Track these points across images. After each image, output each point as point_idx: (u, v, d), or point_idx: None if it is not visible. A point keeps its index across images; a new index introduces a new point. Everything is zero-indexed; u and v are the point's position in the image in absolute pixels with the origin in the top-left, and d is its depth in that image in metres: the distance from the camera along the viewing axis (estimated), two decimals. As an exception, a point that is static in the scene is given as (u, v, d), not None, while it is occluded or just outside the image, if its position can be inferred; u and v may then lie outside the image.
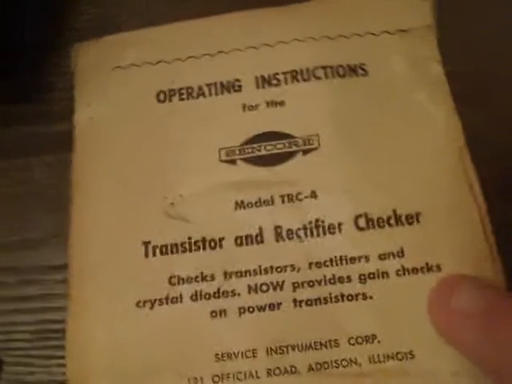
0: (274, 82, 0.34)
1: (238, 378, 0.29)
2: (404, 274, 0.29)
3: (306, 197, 0.31)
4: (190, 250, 0.31)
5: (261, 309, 0.30)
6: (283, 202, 0.31)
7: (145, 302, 0.31)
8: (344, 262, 0.30)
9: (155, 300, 0.30)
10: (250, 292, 0.30)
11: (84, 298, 0.31)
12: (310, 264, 0.30)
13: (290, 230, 0.31)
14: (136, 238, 0.32)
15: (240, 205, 0.32)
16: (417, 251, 0.30)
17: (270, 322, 0.30)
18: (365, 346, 0.29)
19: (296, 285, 0.30)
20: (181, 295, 0.30)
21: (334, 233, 0.31)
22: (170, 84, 0.35)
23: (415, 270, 0.29)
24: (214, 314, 0.30)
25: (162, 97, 0.35)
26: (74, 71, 0.36)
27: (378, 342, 0.29)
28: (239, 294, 0.30)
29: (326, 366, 0.28)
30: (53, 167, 0.37)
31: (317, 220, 0.31)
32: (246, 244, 0.31)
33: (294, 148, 0.32)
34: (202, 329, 0.30)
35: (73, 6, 0.40)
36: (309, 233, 0.31)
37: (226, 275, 0.30)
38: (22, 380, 0.34)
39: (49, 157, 0.37)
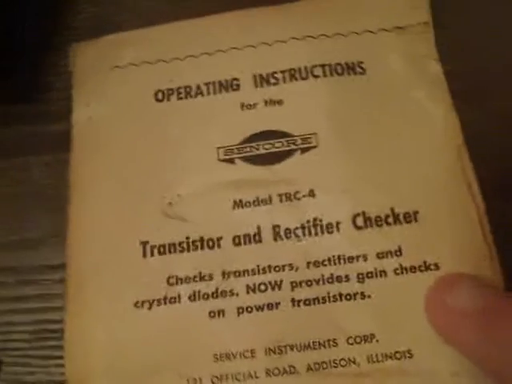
0: (272, 80, 0.34)
1: (236, 379, 0.29)
2: (402, 272, 0.29)
3: (304, 196, 0.31)
4: (188, 250, 0.31)
5: (259, 309, 0.30)
6: (281, 201, 0.31)
7: (143, 302, 0.30)
8: (342, 261, 0.30)
9: (153, 300, 0.30)
10: (248, 292, 0.30)
11: (82, 298, 0.31)
12: (308, 263, 0.30)
13: (288, 230, 0.31)
14: (134, 237, 0.32)
15: (238, 204, 0.32)
16: (415, 250, 0.30)
17: (268, 321, 0.29)
18: (363, 346, 0.29)
19: (294, 284, 0.30)
20: (179, 295, 0.30)
21: (332, 232, 0.31)
22: (168, 83, 0.35)
23: (413, 269, 0.29)
24: (212, 314, 0.30)
25: (160, 96, 0.35)
26: (72, 71, 0.36)
27: (377, 341, 0.29)
28: (237, 294, 0.30)
29: (324, 365, 0.28)
30: (51, 167, 0.37)
31: (315, 219, 0.31)
32: (244, 243, 0.31)
33: (293, 147, 0.32)
34: (200, 329, 0.30)
35: (70, 5, 0.40)
36: (307, 232, 0.31)
37: (224, 275, 0.30)
38: (20, 380, 0.33)
39: (47, 156, 0.37)
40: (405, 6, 0.35)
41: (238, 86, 0.34)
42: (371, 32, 0.35)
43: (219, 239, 0.31)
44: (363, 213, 0.31)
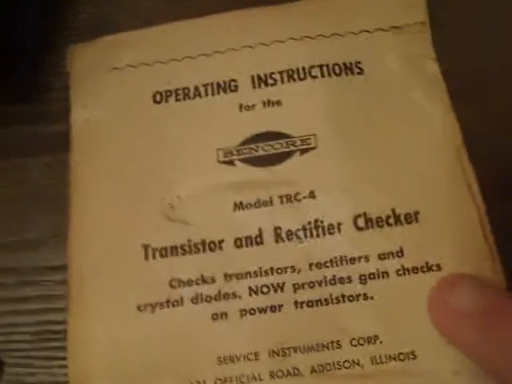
0: (271, 81, 0.34)
1: (240, 381, 0.29)
2: (404, 273, 0.30)
3: (304, 197, 0.31)
4: (190, 253, 0.31)
5: (262, 311, 0.30)
6: (282, 202, 0.31)
7: (146, 305, 0.31)
8: (344, 262, 0.30)
9: (156, 303, 0.31)
10: (250, 294, 0.30)
11: (84, 299, 0.31)
12: (311, 265, 0.30)
13: (289, 231, 0.31)
14: (135, 239, 0.32)
15: (239, 206, 0.32)
16: (416, 250, 0.30)
17: (271, 324, 0.30)
18: (367, 347, 0.29)
19: (297, 286, 0.30)
20: (182, 298, 0.30)
21: (333, 233, 0.31)
22: (166, 85, 0.35)
23: (415, 270, 0.30)
24: (215, 317, 0.30)
25: (158, 98, 0.35)
26: (70, 72, 0.36)
27: (380, 342, 0.29)
28: (240, 297, 0.30)
29: (328, 367, 0.29)
30: (51, 167, 0.37)
31: (316, 220, 0.31)
32: (246, 246, 0.31)
33: (292, 148, 0.32)
34: (203, 332, 0.30)
35: (70, 5, 0.40)
36: (308, 233, 0.31)
37: (227, 277, 0.31)
38: (22, 381, 0.33)
39: (47, 157, 0.37)
40: (401, 6, 0.35)
41: (236, 87, 0.34)
42: (368, 32, 0.35)
43: (221, 242, 0.31)
44: (364, 214, 0.31)
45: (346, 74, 0.34)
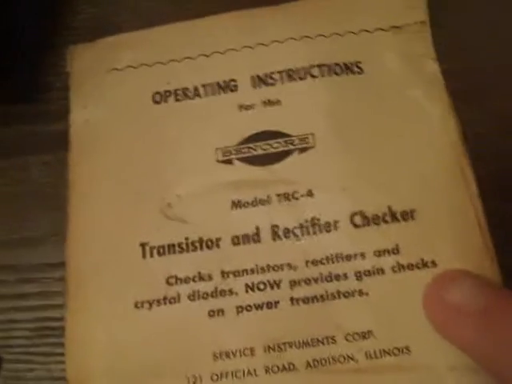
0: (270, 81, 0.34)
1: (236, 376, 0.29)
2: (399, 270, 0.30)
3: (302, 195, 0.32)
4: (188, 251, 0.31)
5: (258, 307, 0.30)
6: (280, 200, 0.32)
7: (143, 302, 0.31)
8: (340, 259, 0.30)
9: (153, 300, 0.31)
10: (247, 291, 0.30)
11: (82, 297, 0.32)
12: (307, 262, 0.30)
13: (286, 229, 0.31)
14: (134, 238, 0.32)
15: (237, 204, 0.32)
16: (412, 248, 0.30)
17: (267, 320, 0.30)
18: (361, 343, 0.29)
19: (293, 283, 0.30)
20: (178, 295, 0.31)
21: (330, 231, 0.31)
22: (165, 85, 0.35)
23: (410, 266, 0.30)
24: (211, 314, 0.30)
25: (157, 98, 0.35)
26: (69, 72, 0.37)
27: (375, 338, 0.29)
28: (237, 293, 0.30)
29: (323, 362, 0.29)
30: (51, 166, 0.37)
31: (313, 218, 0.31)
32: (243, 243, 0.31)
33: (290, 147, 0.33)
34: (200, 328, 0.30)
35: (70, 5, 0.40)
36: (305, 231, 0.31)
37: (224, 274, 0.31)
38: (21, 377, 0.34)
39: (47, 156, 0.37)
40: (401, 6, 0.35)
41: (235, 86, 0.35)
42: (368, 31, 0.35)
43: (218, 239, 0.31)
44: (361, 211, 0.31)
45: (346, 73, 0.34)
